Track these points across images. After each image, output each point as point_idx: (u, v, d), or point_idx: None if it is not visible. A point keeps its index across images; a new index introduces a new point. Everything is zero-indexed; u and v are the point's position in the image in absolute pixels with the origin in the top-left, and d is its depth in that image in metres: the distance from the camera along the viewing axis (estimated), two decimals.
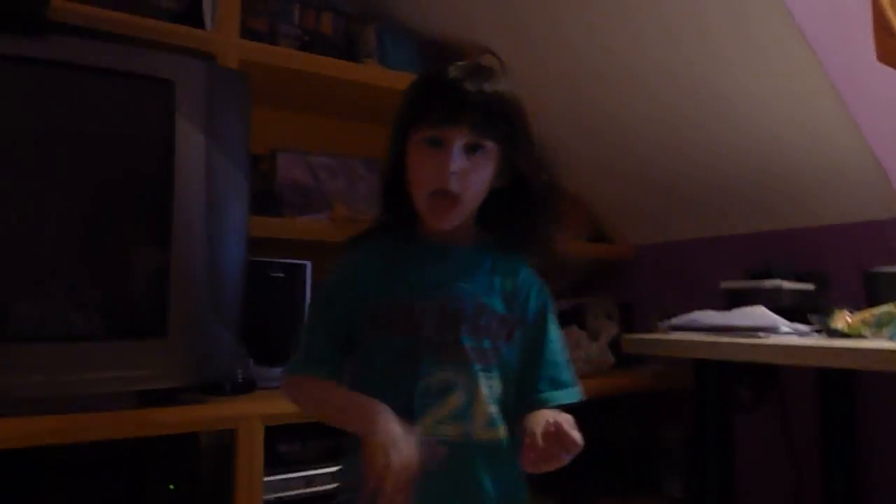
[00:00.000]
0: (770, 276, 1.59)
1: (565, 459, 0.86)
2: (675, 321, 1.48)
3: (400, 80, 1.82)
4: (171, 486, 1.30)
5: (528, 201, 1.02)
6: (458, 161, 0.95)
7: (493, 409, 0.95)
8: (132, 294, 1.27)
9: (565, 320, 2.03)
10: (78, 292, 1.21)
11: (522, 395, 0.98)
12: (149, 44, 1.44)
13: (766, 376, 1.65)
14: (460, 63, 1.00)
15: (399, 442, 0.85)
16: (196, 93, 1.30)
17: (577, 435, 0.85)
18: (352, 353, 0.99)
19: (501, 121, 0.97)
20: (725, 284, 1.67)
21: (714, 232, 2.00)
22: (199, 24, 1.55)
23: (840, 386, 1.59)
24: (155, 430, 1.25)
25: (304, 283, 1.58)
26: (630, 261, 2.22)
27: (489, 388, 0.96)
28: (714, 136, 1.80)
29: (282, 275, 1.56)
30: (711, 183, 1.90)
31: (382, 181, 1.05)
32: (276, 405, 1.33)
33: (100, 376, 1.19)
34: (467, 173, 0.96)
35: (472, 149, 0.96)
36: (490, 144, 0.97)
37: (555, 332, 1.03)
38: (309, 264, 1.59)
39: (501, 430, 0.96)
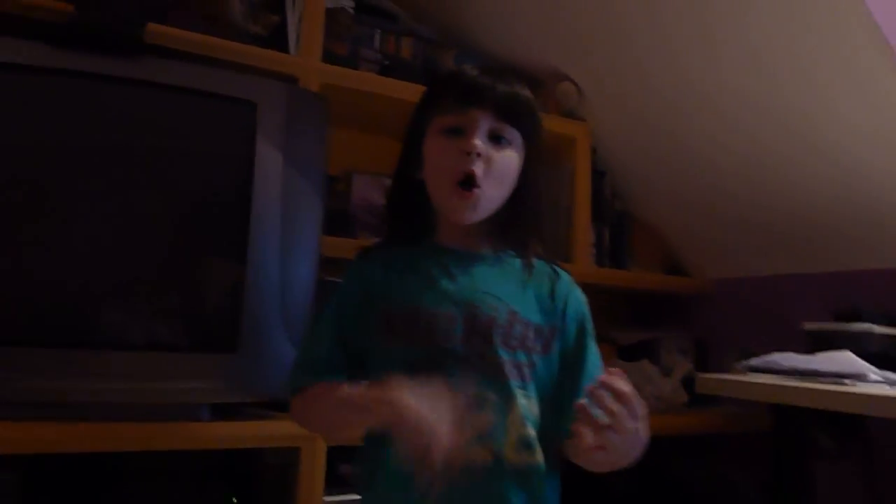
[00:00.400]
0: (859, 318, 1.50)
1: (628, 428, 0.75)
2: (754, 362, 1.42)
3: None
4: (234, 500, 1.32)
5: (527, 208, 0.96)
6: (482, 142, 0.89)
7: (530, 430, 0.87)
8: (206, 307, 1.30)
9: (636, 354, 1.98)
10: (156, 303, 1.25)
11: (560, 419, 0.88)
12: (237, 67, 1.49)
13: (850, 425, 1.55)
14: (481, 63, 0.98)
15: (431, 416, 0.75)
16: (277, 114, 1.33)
17: (628, 387, 0.77)
18: (362, 368, 0.90)
19: (525, 114, 0.93)
20: (809, 326, 1.58)
21: (798, 269, 1.91)
22: (284, 48, 1.60)
23: None
24: (220, 444, 1.28)
25: None
26: (707, 295, 2.14)
27: (526, 406, 0.87)
28: (801, 166, 1.72)
29: None
30: (796, 216, 1.82)
31: (394, 184, 1.00)
32: None
33: (169, 387, 1.22)
34: (492, 161, 0.90)
35: (496, 138, 0.91)
36: (515, 135, 0.92)
37: (594, 349, 0.96)
38: None
39: (538, 455, 0.87)
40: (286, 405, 1.44)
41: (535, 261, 0.96)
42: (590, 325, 0.97)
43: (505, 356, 0.88)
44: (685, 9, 1.63)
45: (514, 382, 0.87)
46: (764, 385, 1.32)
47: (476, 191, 0.90)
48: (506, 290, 0.92)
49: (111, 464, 1.26)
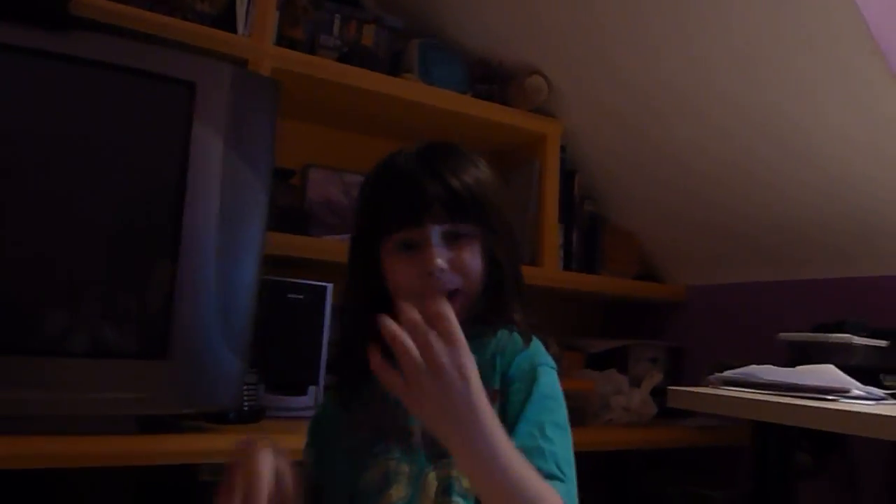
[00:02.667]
0: (840, 329, 1.42)
1: (442, 363, 0.63)
2: (730, 374, 1.33)
3: (440, 97, 1.74)
4: None
5: (500, 287, 0.88)
6: (442, 253, 0.83)
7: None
8: (133, 310, 1.17)
9: (605, 363, 1.89)
10: (75, 305, 1.12)
11: None
12: (182, 47, 1.38)
13: (831, 440, 1.48)
14: (414, 150, 0.89)
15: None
16: (219, 97, 1.21)
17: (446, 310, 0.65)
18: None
19: (471, 204, 0.85)
20: (786, 336, 1.50)
21: (776, 276, 1.83)
22: (234, 29, 1.49)
23: None
24: (148, 460, 1.15)
25: (324, 306, 1.47)
26: (680, 303, 2.06)
27: (443, 479, 0.79)
28: (783, 173, 1.64)
29: (301, 297, 1.45)
30: (777, 223, 1.74)
31: (352, 309, 0.91)
32: (282, 437, 1.22)
33: (94, 397, 1.10)
34: (458, 262, 0.84)
35: (453, 237, 0.85)
36: (469, 227, 0.85)
37: (547, 401, 0.82)
38: (330, 287, 1.48)
39: None
40: (225, 416, 1.35)
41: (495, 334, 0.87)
42: (540, 385, 0.82)
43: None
44: (665, 5, 1.54)
45: (432, 453, 0.80)
46: (741, 400, 1.23)
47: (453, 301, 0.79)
48: None
49: (26, 479, 1.14)
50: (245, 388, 1.30)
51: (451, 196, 0.85)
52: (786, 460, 1.37)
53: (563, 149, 1.94)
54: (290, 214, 1.64)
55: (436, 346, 0.64)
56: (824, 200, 1.62)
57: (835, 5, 1.32)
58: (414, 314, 0.64)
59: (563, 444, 0.79)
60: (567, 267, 1.92)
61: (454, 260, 0.85)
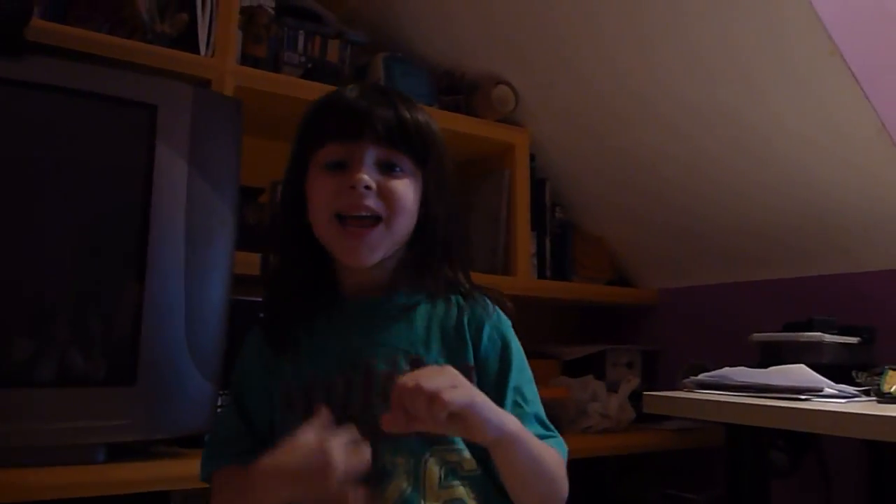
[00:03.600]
0: (809, 327, 1.44)
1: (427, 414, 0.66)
2: (704, 377, 1.34)
3: None
4: None
5: (433, 240, 0.85)
6: (370, 173, 0.79)
7: (455, 490, 0.78)
8: (98, 335, 1.15)
9: (582, 369, 1.90)
10: (37, 332, 1.10)
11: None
12: (143, 69, 1.36)
13: (805, 440, 1.49)
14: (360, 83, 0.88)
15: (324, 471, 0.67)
16: (181, 118, 1.20)
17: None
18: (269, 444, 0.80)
19: (415, 137, 0.83)
20: (758, 337, 1.52)
21: (745, 277, 1.85)
22: (196, 49, 1.48)
23: (893, 456, 1.42)
24: (119, 489, 1.13)
25: None
26: (653, 306, 2.07)
27: (444, 464, 0.77)
28: (744, 175, 1.67)
29: None
30: (741, 225, 1.77)
31: (278, 234, 0.89)
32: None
33: (59, 427, 1.08)
34: (386, 187, 0.80)
35: (387, 167, 0.81)
36: (407, 163, 0.82)
37: (519, 375, 0.83)
38: None
39: None
40: (198, 440, 1.32)
41: (450, 296, 0.86)
42: (513, 351, 0.85)
43: None
44: (623, 12, 1.56)
45: (425, 440, 0.77)
46: (715, 402, 1.23)
47: (371, 225, 0.80)
48: (408, 336, 0.82)
49: None
50: (218, 409, 1.28)
51: (397, 121, 0.82)
52: (760, 461, 1.38)
53: (532, 157, 1.94)
54: (259, 232, 1.62)
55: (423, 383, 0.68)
56: (786, 201, 1.64)
57: (790, 6, 1.34)
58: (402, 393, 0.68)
59: (538, 400, 0.84)
60: (541, 275, 1.93)
61: (382, 185, 0.80)
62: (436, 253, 0.86)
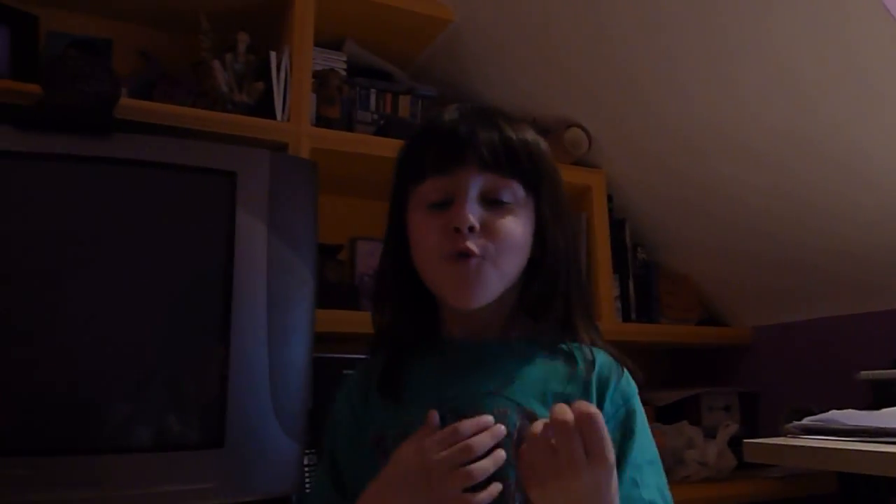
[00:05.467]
0: None
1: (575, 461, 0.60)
2: (809, 422, 1.24)
3: None
4: None
5: (549, 277, 0.77)
6: (474, 210, 0.71)
7: None
8: (188, 400, 1.18)
9: (676, 415, 1.81)
10: (129, 399, 1.13)
11: None
12: (224, 138, 1.42)
13: None
14: (458, 105, 0.81)
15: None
16: (259, 183, 1.24)
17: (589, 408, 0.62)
18: None
19: (524, 159, 0.75)
20: (866, 374, 1.41)
21: (849, 309, 1.73)
22: (272, 115, 1.53)
23: None
24: None
25: None
26: (748, 345, 1.97)
27: None
28: (844, 197, 1.56)
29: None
30: (842, 252, 1.65)
31: (382, 275, 0.83)
32: None
33: (149, 491, 1.10)
34: (492, 226, 0.72)
35: (494, 200, 0.74)
36: (518, 189, 0.74)
37: (644, 438, 0.76)
38: None
39: None
40: (286, 500, 1.33)
41: (568, 346, 0.78)
42: (638, 414, 0.77)
43: (514, 476, 0.70)
44: (693, 43, 1.52)
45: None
46: (824, 450, 1.14)
47: (474, 261, 0.72)
48: (521, 387, 0.74)
49: None
50: (305, 469, 1.28)
51: (503, 142, 0.74)
52: None
53: (609, 198, 1.91)
54: (339, 290, 1.65)
55: (577, 451, 0.62)
56: (893, 222, 1.53)
57: (876, 20, 1.26)
58: (566, 415, 0.62)
59: (659, 486, 0.75)
60: (626, 318, 1.87)
61: (489, 223, 0.73)
62: (553, 293, 0.78)
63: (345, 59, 1.75)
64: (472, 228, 0.72)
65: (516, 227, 0.75)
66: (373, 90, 1.78)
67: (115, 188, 1.19)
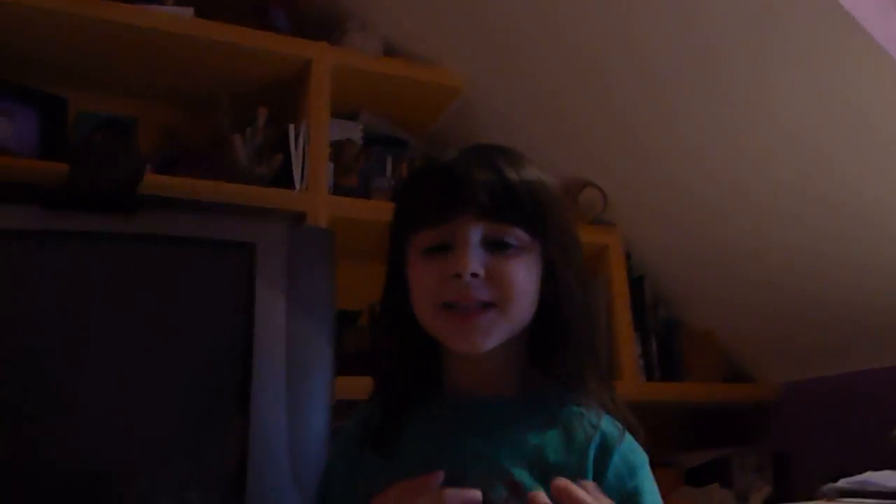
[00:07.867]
0: None
1: None
2: (845, 484, 1.21)
3: None
4: None
5: (558, 326, 0.72)
6: (476, 256, 0.68)
7: None
8: (207, 473, 1.17)
9: (705, 477, 1.76)
10: (149, 472, 1.13)
11: None
12: (244, 210, 1.45)
13: None
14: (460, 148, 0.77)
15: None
16: (277, 254, 1.26)
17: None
18: None
19: (527, 202, 0.70)
20: None
21: (882, 362, 1.69)
22: (291, 186, 1.56)
23: None
24: None
25: None
26: (777, 403, 1.92)
27: None
28: (870, 248, 1.54)
29: None
30: (870, 305, 1.62)
31: (381, 326, 0.80)
32: None
33: None
34: (497, 273, 0.68)
35: (495, 244, 0.70)
36: (522, 234, 0.70)
37: None
38: None
39: None
40: None
41: (573, 408, 0.73)
42: (646, 485, 0.71)
43: None
44: (702, 97, 1.54)
45: None
46: None
47: (475, 311, 0.69)
48: (513, 453, 0.69)
49: None
50: None
51: (503, 185, 0.69)
52: None
53: (627, 256, 1.91)
54: (359, 357, 1.64)
55: None
56: None
57: (882, 71, 1.28)
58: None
59: None
60: (649, 378, 1.84)
61: (493, 268, 0.69)
62: (564, 342, 0.73)
63: (361, 128, 1.79)
64: (475, 274, 0.68)
65: (521, 273, 0.71)
66: (388, 157, 1.81)
67: (138, 262, 1.21)
